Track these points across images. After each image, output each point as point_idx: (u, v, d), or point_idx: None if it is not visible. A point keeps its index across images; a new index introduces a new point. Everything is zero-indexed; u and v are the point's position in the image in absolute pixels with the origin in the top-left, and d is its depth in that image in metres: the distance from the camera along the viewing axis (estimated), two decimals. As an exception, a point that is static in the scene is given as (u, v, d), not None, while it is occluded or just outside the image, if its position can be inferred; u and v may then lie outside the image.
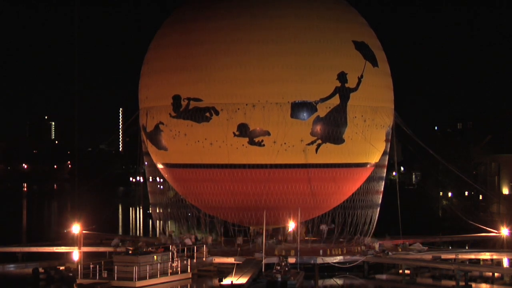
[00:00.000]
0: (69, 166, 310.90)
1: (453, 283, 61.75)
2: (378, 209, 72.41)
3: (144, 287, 57.12)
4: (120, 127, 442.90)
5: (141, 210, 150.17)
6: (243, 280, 55.44)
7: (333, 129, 64.74)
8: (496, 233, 76.38)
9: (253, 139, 63.99)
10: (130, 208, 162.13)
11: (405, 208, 73.79)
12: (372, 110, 66.86)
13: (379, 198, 72.61)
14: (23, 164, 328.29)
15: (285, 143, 63.96)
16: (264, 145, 63.97)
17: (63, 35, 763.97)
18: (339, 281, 64.48)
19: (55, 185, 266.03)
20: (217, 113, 64.14)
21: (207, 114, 64.39)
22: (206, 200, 68.33)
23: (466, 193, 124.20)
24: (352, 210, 70.09)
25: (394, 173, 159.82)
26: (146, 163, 74.06)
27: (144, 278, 57.14)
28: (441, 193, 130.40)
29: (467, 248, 73.21)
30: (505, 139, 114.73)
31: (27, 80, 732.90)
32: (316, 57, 64.49)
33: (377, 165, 70.87)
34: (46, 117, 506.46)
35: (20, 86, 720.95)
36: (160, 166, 71.46)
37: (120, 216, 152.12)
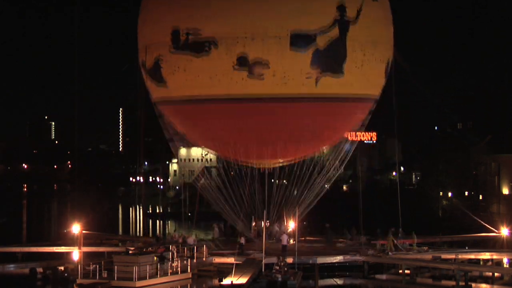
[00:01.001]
0: (69, 166, 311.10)
1: (453, 283, 61.71)
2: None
3: (144, 287, 57.11)
4: (120, 127, 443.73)
5: (141, 210, 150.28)
6: (243, 280, 55.44)
7: (332, 61, 64.45)
8: (496, 233, 76.39)
9: (253, 71, 63.68)
10: (130, 208, 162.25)
11: (405, 208, 73.76)
12: (372, 43, 66.54)
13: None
14: (23, 164, 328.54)
15: (284, 76, 63.69)
16: (263, 78, 63.70)
17: (63, 35, 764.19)
18: (339, 281, 64.60)
19: (55, 186, 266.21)
20: (216, 46, 63.59)
21: (206, 48, 63.96)
22: (207, 134, 68.54)
23: (466, 193, 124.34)
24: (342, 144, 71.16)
25: (394, 173, 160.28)
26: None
27: (144, 278, 57.13)
28: (441, 193, 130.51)
29: (467, 248, 73.09)
30: (505, 139, 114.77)
31: (27, 80, 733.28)
32: None
33: (376, 101, 70.69)
34: (46, 117, 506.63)
35: (20, 86, 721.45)
36: (160, 104, 70.70)
37: (120, 216, 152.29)
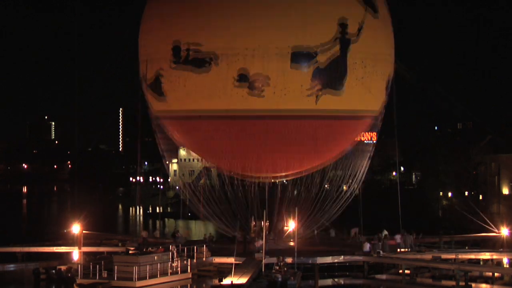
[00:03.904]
0: (69, 166, 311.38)
1: (453, 283, 61.68)
2: (369, 160, 72.54)
3: (144, 287, 57.12)
4: (120, 127, 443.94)
5: (141, 210, 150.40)
6: (243, 280, 55.44)
7: (333, 78, 64.29)
8: (496, 233, 76.38)
9: (253, 88, 63.68)
10: (130, 208, 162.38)
11: (405, 208, 73.79)
12: (373, 57, 66.46)
13: (370, 148, 72.61)
14: (23, 164, 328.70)
15: (284, 94, 63.64)
16: (264, 95, 63.66)
17: (63, 35, 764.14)
18: (339, 281, 64.60)
19: (55, 186, 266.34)
20: (216, 62, 63.63)
21: (207, 63, 63.95)
22: (207, 149, 68.39)
23: (466, 193, 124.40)
24: (344, 160, 70.34)
25: (394, 173, 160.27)
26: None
27: (144, 278, 57.14)
28: (441, 193, 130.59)
29: (467, 248, 73.08)
30: (505, 139, 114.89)
31: (27, 80, 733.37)
32: (316, 5, 63.78)
33: (376, 117, 70.60)
34: (46, 117, 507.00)
35: (20, 86, 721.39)
36: (161, 118, 70.77)
37: (120, 216, 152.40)
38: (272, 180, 72.49)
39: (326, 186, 73.22)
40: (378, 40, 67.08)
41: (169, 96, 66.58)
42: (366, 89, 66.10)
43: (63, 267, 64.33)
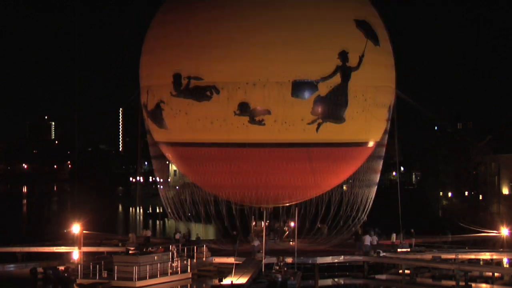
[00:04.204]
0: (69, 166, 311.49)
1: (453, 283, 61.70)
2: (376, 187, 72.44)
3: (144, 287, 57.12)
4: (120, 127, 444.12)
5: (141, 210, 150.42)
6: (243, 280, 55.45)
7: (334, 108, 64.32)
8: (496, 233, 76.39)
9: (254, 117, 63.73)
10: (130, 208, 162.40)
11: (405, 208, 73.76)
12: (374, 89, 66.51)
13: (377, 177, 72.69)
14: (23, 164, 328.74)
15: (285, 122, 63.71)
16: (264, 124, 63.76)
17: (63, 35, 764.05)
18: (339, 281, 64.60)
19: (55, 186, 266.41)
20: (217, 91, 63.72)
21: (208, 92, 63.98)
22: (207, 178, 68.27)
23: (466, 193, 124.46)
24: (350, 189, 70.13)
25: (394, 173, 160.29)
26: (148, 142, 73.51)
27: (144, 278, 57.14)
28: (441, 193, 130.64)
29: (467, 248, 73.09)
30: (505, 139, 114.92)
31: (27, 80, 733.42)
32: (317, 35, 63.80)
33: (378, 144, 70.67)
34: (46, 117, 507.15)
35: (20, 86, 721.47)
36: (161, 145, 71.05)
37: (120, 216, 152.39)
38: (274, 207, 72.55)
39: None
40: (379, 71, 67.19)
41: (169, 125, 66.84)
42: (367, 122, 66.30)
43: (61, 267, 64.41)
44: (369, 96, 65.79)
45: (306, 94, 63.53)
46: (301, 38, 63.36)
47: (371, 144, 69.51)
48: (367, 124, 66.60)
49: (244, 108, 63.20)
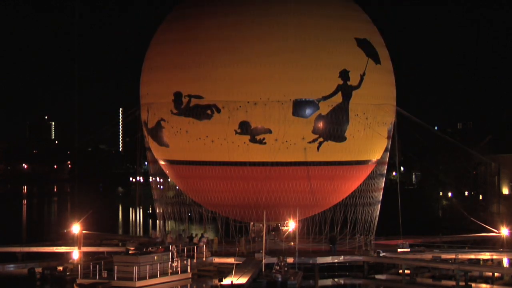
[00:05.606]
0: (69, 166, 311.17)
1: (453, 283, 61.74)
2: (379, 206, 72.41)
3: (144, 287, 57.10)
4: (120, 127, 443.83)
5: (141, 210, 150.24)
6: (243, 280, 55.44)
7: (335, 127, 64.54)
8: (496, 233, 76.38)
9: (255, 136, 63.84)
10: (130, 208, 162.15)
11: (405, 208, 73.75)
12: (374, 108, 66.65)
13: (380, 195, 72.65)
14: (23, 164, 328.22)
15: (286, 141, 63.81)
16: (265, 143, 63.86)
17: (63, 35, 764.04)
18: (339, 281, 64.59)
19: (55, 186, 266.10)
20: (218, 110, 63.95)
21: (209, 111, 64.20)
22: (207, 196, 68.34)
23: (466, 193, 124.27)
24: (352, 207, 70.20)
25: (394, 173, 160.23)
26: (148, 159, 73.93)
27: (144, 278, 57.12)
28: (441, 193, 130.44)
29: (467, 248, 73.11)
30: (505, 139, 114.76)
31: (27, 80, 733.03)
32: (318, 54, 64.17)
33: (379, 162, 70.73)
34: (46, 117, 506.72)
35: (20, 86, 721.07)
36: (161, 162, 71.30)
37: (120, 216, 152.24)
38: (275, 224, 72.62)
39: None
40: (380, 89, 67.49)
41: (170, 143, 67.08)
42: (368, 141, 66.53)
43: (59, 267, 64.40)
44: (370, 115, 66.02)
45: (307, 113, 63.77)
46: (302, 57, 63.52)
47: (372, 162, 69.59)
48: (368, 143, 66.78)
49: (245, 127, 63.34)
